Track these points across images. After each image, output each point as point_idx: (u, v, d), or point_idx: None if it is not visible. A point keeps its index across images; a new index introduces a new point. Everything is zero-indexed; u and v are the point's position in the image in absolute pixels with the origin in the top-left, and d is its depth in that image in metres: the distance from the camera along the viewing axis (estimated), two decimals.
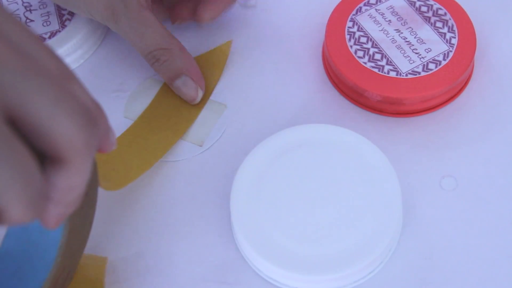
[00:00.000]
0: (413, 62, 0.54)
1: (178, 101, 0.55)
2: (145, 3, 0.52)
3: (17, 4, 0.60)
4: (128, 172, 0.52)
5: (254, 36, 0.59)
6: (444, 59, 0.54)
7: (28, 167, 0.30)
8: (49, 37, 0.58)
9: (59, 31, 0.58)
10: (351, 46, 0.55)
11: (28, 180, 0.30)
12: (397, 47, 0.54)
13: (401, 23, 0.56)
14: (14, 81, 0.30)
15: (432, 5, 0.56)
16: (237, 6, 0.61)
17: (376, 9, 0.56)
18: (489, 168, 0.52)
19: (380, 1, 0.57)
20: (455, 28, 0.55)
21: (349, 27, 0.56)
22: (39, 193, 0.31)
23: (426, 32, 0.55)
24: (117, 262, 0.50)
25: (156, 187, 0.53)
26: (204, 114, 0.55)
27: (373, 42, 0.55)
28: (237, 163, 0.52)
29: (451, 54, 0.54)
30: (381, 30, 0.55)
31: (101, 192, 0.53)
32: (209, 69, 0.56)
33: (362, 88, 0.53)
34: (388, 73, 0.53)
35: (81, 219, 0.42)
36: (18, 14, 0.60)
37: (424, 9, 0.56)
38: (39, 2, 0.60)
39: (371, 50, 0.54)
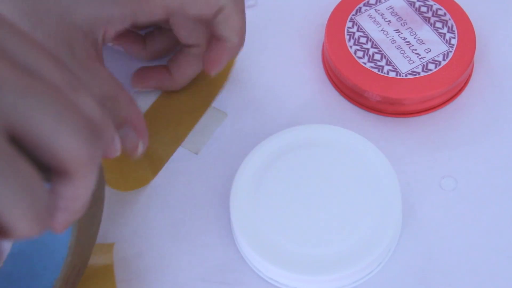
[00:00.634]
0: (413, 62, 0.54)
1: (178, 107, 0.55)
2: (94, 53, 0.49)
3: None
4: (128, 182, 0.52)
5: (253, 36, 0.59)
6: (443, 60, 0.54)
7: (32, 184, 0.30)
8: None
9: None
10: (350, 47, 0.55)
11: (33, 197, 0.30)
12: (397, 47, 0.54)
13: (401, 24, 0.56)
14: (15, 101, 0.30)
15: (431, 6, 0.56)
16: None
17: (375, 10, 0.56)
18: (489, 168, 0.52)
19: (379, 2, 0.57)
20: (454, 28, 0.55)
21: (348, 27, 0.56)
22: (45, 207, 0.31)
23: (426, 32, 0.55)
24: (117, 262, 0.50)
25: (155, 187, 0.53)
26: (204, 121, 0.55)
27: (372, 42, 0.55)
28: (237, 163, 0.52)
29: (450, 55, 0.54)
30: (381, 30, 0.55)
31: None
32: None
33: (361, 89, 0.53)
34: (387, 73, 0.53)
35: (89, 218, 0.43)
36: None
37: (423, 9, 0.56)
38: None
39: (371, 51, 0.54)
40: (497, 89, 0.56)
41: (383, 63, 0.54)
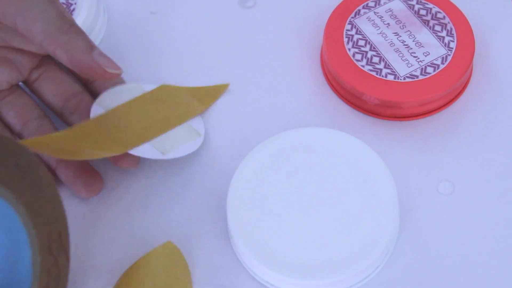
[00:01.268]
0: (411, 65, 0.54)
1: (154, 110, 0.54)
2: None
3: None
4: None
5: (252, 38, 0.59)
6: (442, 63, 0.54)
7: None
8: None
9: None
10: (349, 49, 0.55)
11: None
12: (395, 50, 0.54)
13: (400, 26, 0.55)
14: None
15: (431, 8, 0.56)
16: (235, 7, 0.61)
17: (374, 12, 0.56)
18: (487, 173, 0.52)
19: (379, 4, 0.57)
20: (453, 31, 0.55)
21: (347, 30, 0.56)
22: None
23: (425, 35, 0.55)
24: (113, 264, 0.50)
25: (152, 189, 0.53)
26: (178, 131, 0.54)
27: (371, 45, 0.55)
28: (234, 166, 0.51)
29: (449, 58, 0.54)
30: (380, 33, 0.55)
31: (93, 197, 0.53)
32: (196, 101, 0.55)
33: (360, 92, 0.53)
34: (386, 76, 0.53)
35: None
36: None
37: (423, 12, 0.56)
38: None
39: (369, 53, 0.54)
40: (496, 93, 0.55)
41: (381, 66, 0.54)
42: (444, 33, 0.55)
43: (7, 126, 0.53)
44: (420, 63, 0.54)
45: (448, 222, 0.51)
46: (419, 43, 0.55)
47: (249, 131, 0.55)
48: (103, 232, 0.51)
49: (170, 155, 0.51)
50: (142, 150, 0.51)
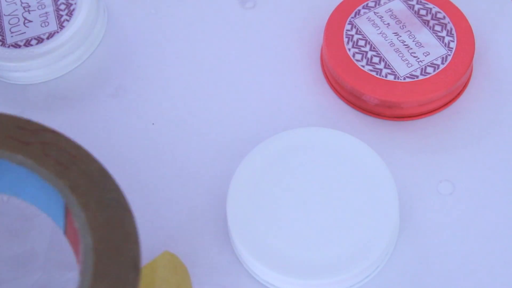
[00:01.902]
0: (411, 65, 0.54)
1: None
2: None
3: (16, 4, 0.60)
4: None
5: (251, 37, 0.59)
6: (442, 63, 0.54)
7: None
8: (47, 38, 0.58)
9: (57, 32, 0.58)
10: (349, 49, 0.55)
11: None
12: (395, 50, 0.54)
13: (400, 26, 0.55)
14: None
15: (431, 9, 0.56)
16: (235, 8, 0.61)
17: (374, 12, 0.56)
18: (487, 173, 0.52)
19: (379, 4, 0.56)
20: (454, 32, 0.55)
21: (347, 30, 0.56)
22: None
23: (425, 35, 0.55)
24: None
25: (151, 188, 0.53)
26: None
27: (371, 45, 0.55)
28: (234, 166, 0.51)
29: (449, 58, 0.54)
30: (380, 33, 0.55)
31: None
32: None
33: (359, 92, 0.53)
34: (386, 76, 0.53)
35: None
36: (17, 15, 0.59)
37: (423, 12, 0.56)
38: (37, 2, 0.60)
39: (369, 53, 0.54)
40: (496, 93, 0.55)
41: (381, 66, 0.54)
42: (444, 33, 0.55)
43: None
44: (420, 63, 0.54)
45: (448, 222, 0.51)
46: (419, 43, 0.55)
47: (248, 131, 0.55)
48: None
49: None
50: None
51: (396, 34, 0.55)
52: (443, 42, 0.55)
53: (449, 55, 0.54)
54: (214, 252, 0.50)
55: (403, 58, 0.54)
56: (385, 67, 0.54)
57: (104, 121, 0.56)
